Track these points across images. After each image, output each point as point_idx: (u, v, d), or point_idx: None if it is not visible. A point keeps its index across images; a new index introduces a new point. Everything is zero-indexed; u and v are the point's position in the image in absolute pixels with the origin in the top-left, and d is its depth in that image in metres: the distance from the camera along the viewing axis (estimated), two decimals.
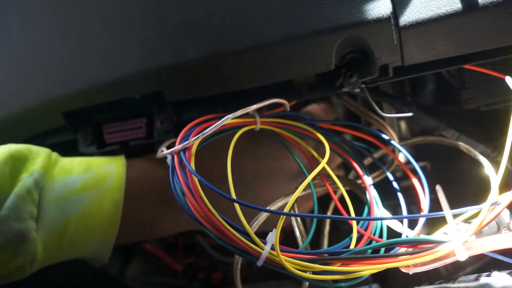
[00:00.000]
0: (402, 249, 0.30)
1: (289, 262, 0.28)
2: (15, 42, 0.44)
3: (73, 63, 0.40)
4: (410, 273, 0.29)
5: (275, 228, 0.28)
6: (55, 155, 0.38)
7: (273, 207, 0.34)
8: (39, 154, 0.36)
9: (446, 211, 0.25)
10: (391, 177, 0.39)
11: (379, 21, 0.33)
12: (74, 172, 0.37)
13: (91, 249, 0.37)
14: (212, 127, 0.32)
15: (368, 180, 0.38)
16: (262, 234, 0.30)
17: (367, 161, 0.42)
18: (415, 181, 0.37)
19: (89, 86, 0.39)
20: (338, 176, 0.36)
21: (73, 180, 0.36)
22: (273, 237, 0.28)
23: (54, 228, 0.34)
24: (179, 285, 0.57)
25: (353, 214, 0.35)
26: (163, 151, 0.33)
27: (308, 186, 0.35)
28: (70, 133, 0.43)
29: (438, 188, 0.25)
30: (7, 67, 0.44)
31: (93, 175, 0.37)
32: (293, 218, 0.34)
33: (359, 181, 0.40)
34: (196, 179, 0.29)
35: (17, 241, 0.32)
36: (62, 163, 0.37)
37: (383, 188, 0.40)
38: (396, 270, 0.29)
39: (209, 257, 0.55)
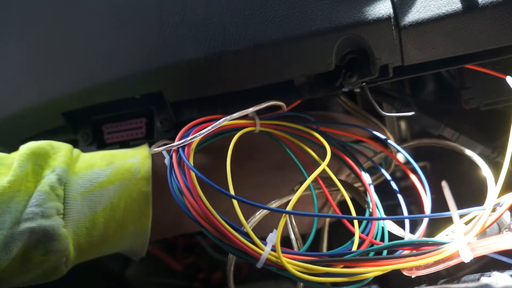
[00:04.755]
0: (405, 252, 0.30)
1: (290, 264, 0.27)
2: (15, 42, 0.44)
3: (73, 63, 0.40)
4: (413, 276, 0.29)
5: (276, 229, 0.27)
6: (76, 150, 0.37)
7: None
8: (61, 150, 0.35)
9: (453, 210, 0.25)
10: (389, 178, 0.39)
11: (379, 21, 0.32)
12: (97, 166, 0.36)
13: (125, 244, 0.36)
14: (209, 127, 0.31)
15: (367, 178, 0.38)
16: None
17: (368, 163, 0.42)
18: (415, 181, 0.37)
19: (89, 86, 0.39)
20: (338, 180, 0.36)
21: (97, 174, 0.35)
22: (274, 238, 0.27)
23: (82, 223, 0.33)
24: (179, 285, 0.57)
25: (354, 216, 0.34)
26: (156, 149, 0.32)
27: (308, 188, 0.35)
28: (70, 133, 0.43)
29: (444, 184, 0.24)
30: (7, 67, 0.44)
31: (117, 167, 0.36)
32: (288, 220, 0.33)
33: (358, 184, 0.40)
34: (193, 175, 0.29)
35: (47, 239, 0.31)
36: (84, 158, 0.37)
37: (382, 188, 0.40)
38: (395, 270, 0.29)
39: (209, 257, 0.55)
